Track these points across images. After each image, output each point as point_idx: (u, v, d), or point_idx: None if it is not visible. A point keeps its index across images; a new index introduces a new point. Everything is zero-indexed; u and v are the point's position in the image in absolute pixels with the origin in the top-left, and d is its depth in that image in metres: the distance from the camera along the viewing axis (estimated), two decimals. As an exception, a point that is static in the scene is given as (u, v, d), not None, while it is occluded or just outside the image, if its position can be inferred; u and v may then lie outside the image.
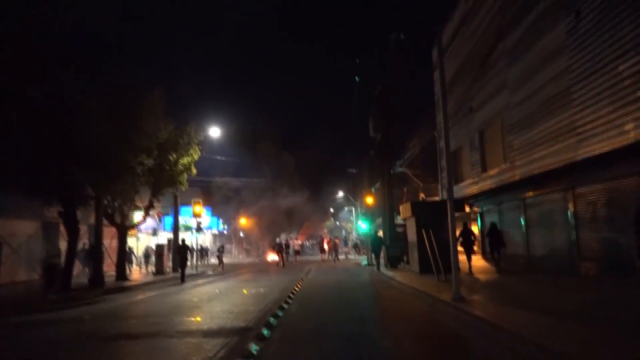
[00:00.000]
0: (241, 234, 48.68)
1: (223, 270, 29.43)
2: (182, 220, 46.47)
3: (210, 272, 28.69)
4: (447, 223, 17.81)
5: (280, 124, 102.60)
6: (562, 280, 13.52)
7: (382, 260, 22.72)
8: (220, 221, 47.67)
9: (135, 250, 35.75)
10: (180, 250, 22.98)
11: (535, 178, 16.72)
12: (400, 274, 19.08)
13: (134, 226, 23.86)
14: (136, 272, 29.10)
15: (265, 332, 7.70)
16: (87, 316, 10.85)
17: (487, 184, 20.34)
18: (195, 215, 30.49)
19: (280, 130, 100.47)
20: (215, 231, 47.98)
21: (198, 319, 9.63)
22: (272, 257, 45.00)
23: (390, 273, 19.80)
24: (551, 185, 16.50)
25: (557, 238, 16.63)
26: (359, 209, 49.86)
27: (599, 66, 12.51)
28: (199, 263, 40.91)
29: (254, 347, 6.55)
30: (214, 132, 28.21)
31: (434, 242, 15.77)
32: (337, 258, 37.13)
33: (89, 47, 18.19)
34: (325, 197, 61.90)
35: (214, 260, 46.38)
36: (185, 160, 24.24)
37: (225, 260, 46.17)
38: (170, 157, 23.42)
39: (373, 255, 24.34)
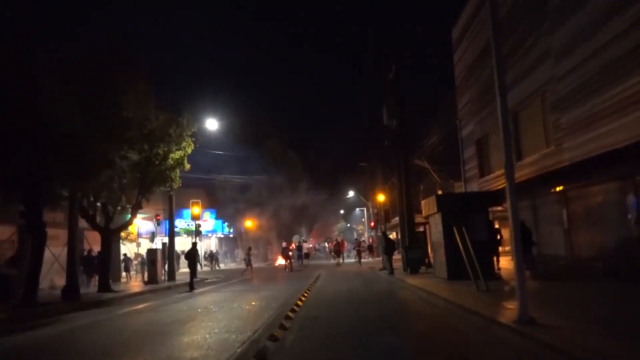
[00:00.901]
0: (248, 237, 45.54)
1: (252, 276, 27.02)
2: (184, 223, 43.70)
3: (209, 279, 25.63)
4: (481, 219, 14.61)
5: (288, 121, 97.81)
6: (629, 289, 10.28)
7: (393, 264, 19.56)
8: (225, 224, 44.67)
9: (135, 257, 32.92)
10: (189, 256, 20.81)
11: (587, 163, 13.47)
12: (424, 280, 15.90)
13: (120, 230, 20.88)
14: (134, 281, 26.19)
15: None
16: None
17: (523, 174, 17.05)
18: (194, 217, 27.46)
19: (287, 128, 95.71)
20: (220, 235, 44.97)
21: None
22: (281, 261, 42.12)
23: (411, 279, 16.61)
24: (605, 173, 13.28)
25: (611, 236, 13.43)
26: (370, 210, 46.66)
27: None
28: (204, 268, 37.93)
29: None
30: (211, 124, 25.17)
31: (468, 242, 12.58)
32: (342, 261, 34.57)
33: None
34: (335, 197, 58.77)
35: (222, 265, 43.43)
36: (177, 154, 21.28)
37: (232, 265, 43.25)
38: (160, 150, 20.46)
39: (386, 258, 21.31)
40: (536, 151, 16.22)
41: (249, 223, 41.76)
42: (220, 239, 47.10)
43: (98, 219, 20.03)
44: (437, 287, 13.37)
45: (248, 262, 29.44)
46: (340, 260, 36.23)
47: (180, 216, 43.38)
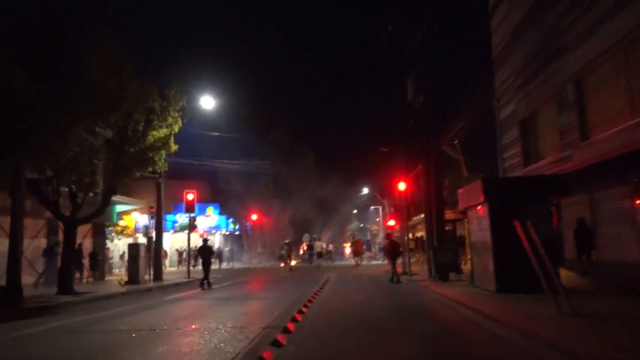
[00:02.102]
0: (255, 235, 41.56)
1: (292, 271, 25.34)
2: (185, 218, 40.00)
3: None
4: (544, 213, 10.46)
5: (298, 109, 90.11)
6: None
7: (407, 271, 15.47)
8: (230, 220, 40.80)
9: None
10: (202, 252, 18.73)
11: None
12: (462, 292, 11.84)
13: (89, 220, 17.06)
14: (113, 280, 22.48)
15: None
16: None
17: (590, 157, 12.81)
18: (188, 208, 23.57)
19: (297, 117, 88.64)
20: (224, 231, 41.12)
21: None
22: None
23: (444, 290, 12.54)
24: None
25: None
26: (387, 208, 42.46)
27: None
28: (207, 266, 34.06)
29: None
30: (207, 102, 21.32)
31: (538, 244, 8.54)
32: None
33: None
34: (347, 196, 54.65)
35: (225, 264, 39.62)
36: (160, 132, 17.47)
37: (237, 265, 39.29)
38: (138, 126, 16.68)
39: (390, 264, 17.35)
40: (615, 123, 12.06)
41: (254, 217, 37.72)
42: (225, 236, 43.25)
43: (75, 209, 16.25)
44: (492, 305, 9.30)
45: (286, 257, 27.85)
46: (359, 261, 32.54)
47: (181, 210, 39.61)
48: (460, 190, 13.58)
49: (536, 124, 16.82)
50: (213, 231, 40.60)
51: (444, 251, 15.69)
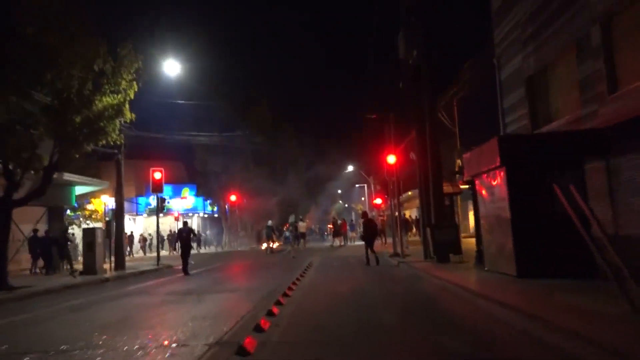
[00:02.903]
0: (235, 216, 38.91)
1: (273, 253, 24.57)
2: (153, 202, 37.30)
3: (149, 267, 19.29)
4: (576, 178, 7.61)
5: (279, 84, 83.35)
6: None
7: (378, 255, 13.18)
8: (208, 202, 38.10)
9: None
10: (180, 236, 17.08)
11: None
12: (474, 278, 9.56)
13: (26, 201, 14.31)
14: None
15: None
16: None
17: (620, 113, 10.44)
18: (155, 188, 20.91)
19: (278, 91, 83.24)
20: (202, 214, 38.43)
21: None
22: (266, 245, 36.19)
23: (450, 275, 10.21)
24: None
25: None
26: (372, 186, 40.18)
27: None
28: (173, 251, 31.55)
29: None
30: (172, 67, 18.51)
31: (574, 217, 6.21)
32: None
33: None
34: (333, 174, 52.23)
35: (203, 248, 37.07)
36: (112, 98, 14.75)
37: (214, 249, 36.68)
38: (84, 90, 13.93)
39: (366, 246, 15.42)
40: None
41: (233, 198, 35.03)
42: (204, 219, 40.59)
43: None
44: (523, 296, 6.98)
45: (269, 238, 27.16)
46: (342, 243, 30.26)
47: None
48: (466, 155, 11.17)
49: (547, 80, 14.40)
50: (190, 214, 37.91)
51: (444, 229, 13.38)
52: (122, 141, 15.89)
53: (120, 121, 15.39)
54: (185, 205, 37.02)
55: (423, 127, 14.24)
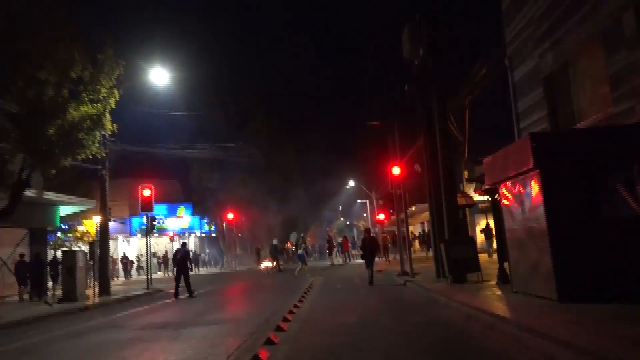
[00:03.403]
0: (232, 235, 37.14)
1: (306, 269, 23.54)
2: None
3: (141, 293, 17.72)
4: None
5: (278, 98, 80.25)
6: None
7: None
8: (204, 221, 36.45)
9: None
10: (176, 258, 15.85)
11: None
12: (508, 303, 7.98)
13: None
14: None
15: None
16: None
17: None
18: (144, 206, 19.41)
19: (277, 106, 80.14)
20: (198, 233, 36.76)
21: None
22: (267, 264, 34.49)
23: (476, 301, 8.63)
24: None
25: None
26: (375, 201, 38.58)
27: None
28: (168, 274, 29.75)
29: None
30: (160, 76, 17.13)
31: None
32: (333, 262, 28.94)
33: None
34: (333, 190, 50.69)
35: (207, 268, 35.30)
36: (90, 108, 13.34)
37: (213, 270, 34.83)
38: (57, 98, 12.53)
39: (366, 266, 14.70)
40: None
41: (230, 216, 33.34)
42: (201, 238, 38.88)
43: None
44: (580, 329, 5.40)
45: (274, 257, 26.41)
46: (344, 261, 28.74)
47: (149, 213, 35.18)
48: (487, 159, 9.67)
49: (569, 77, 12.99)
50: (186, 233, 36.24)
51: (460, 244, 11.82)
52: (104, 154, 14.46)
53: (101, 133, 13.98)
54: (181, 225, 35.40)
55: (432, 131, 12.80)
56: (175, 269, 15.99)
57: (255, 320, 8.44)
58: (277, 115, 55.92)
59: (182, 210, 35.32)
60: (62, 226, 28.36)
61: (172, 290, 14.97)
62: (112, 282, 27.17)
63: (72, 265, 15.29)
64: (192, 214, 35.65)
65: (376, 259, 15.94)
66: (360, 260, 27.19)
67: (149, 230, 20.61)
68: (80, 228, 30.50)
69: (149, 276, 20.43)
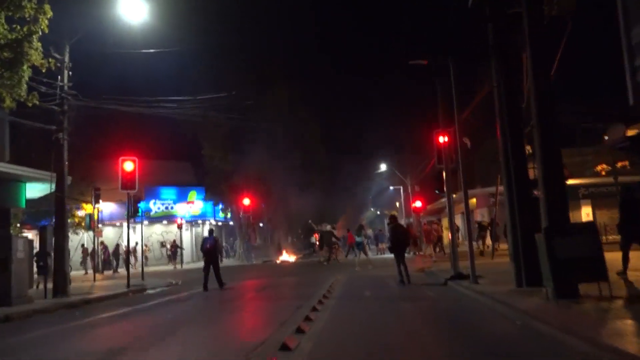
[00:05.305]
0: (249, 223, 32.65)
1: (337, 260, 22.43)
2: (159, 205, 31.70)
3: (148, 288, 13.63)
4: None
5: (302, 67, 68.93)
6: None
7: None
8: (219, 207, 32.12)
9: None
10: (205, 248, 13.92)
11: None
12: None
13: None
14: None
15: None
16: None
17: None
18: (125, 183, 15.07)
19: (301, 77, 68.82)
20: (212, 221, 32.48)
21: None
22: (285, 257, 30.09)
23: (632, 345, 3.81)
24: None
25: None
26: (409, 188, 33.54)
27: None
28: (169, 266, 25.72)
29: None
30: (135, 11, 12.63)
31: None
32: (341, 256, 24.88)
33: None
34: (364, 175, 45.87)
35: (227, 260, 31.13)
36: (7, 32, 9.09)
37: (228, 262, 30.14)
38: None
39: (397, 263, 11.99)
40: None
41: (247, 201, 28.72)
42: (219, 227, 34.57)
43: None
44: None
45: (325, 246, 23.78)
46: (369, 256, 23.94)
47: (157, 196, 31.15)
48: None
49: None
50: (198, 221, 32.08)
51: (573, 235, 6.98)
52: (36, 102, 10.08)
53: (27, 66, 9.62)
54: (193, 211, 31.23)
55: (505, 64, 7.98)
56: (203, 260, 13.96)
57: (257, 335, 3.92)
58: (301, 80, 49.97)
59: (193, 195, 31.09)
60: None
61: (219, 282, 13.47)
62: (102, 275, 23.60)
63: (6, 258, 11.02)
64: (205, 199, 31.39)
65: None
66: (369, 256, 22.32)
67: (133, 212, 16.32)
68: (79, 213, 26.67)
69: (128, 272, 16.32)
